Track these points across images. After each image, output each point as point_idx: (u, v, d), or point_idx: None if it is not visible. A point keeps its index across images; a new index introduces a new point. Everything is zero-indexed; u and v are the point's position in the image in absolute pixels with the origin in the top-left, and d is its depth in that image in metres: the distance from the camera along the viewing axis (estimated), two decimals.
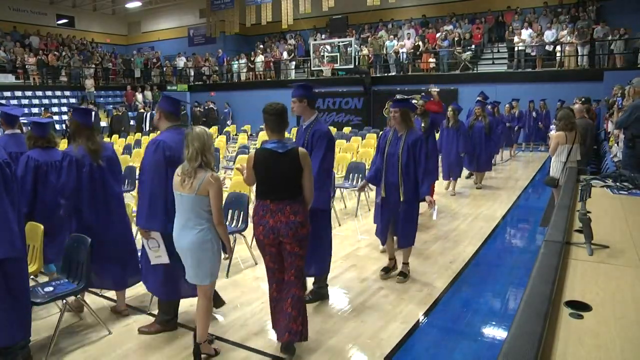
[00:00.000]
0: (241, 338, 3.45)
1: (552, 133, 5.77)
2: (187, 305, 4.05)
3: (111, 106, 16.80)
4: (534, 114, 13.64)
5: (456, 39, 17.19)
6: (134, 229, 3.93)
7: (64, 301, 3.45)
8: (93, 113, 4.63)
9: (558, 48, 15.22)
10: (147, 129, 17.28)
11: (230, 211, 5.02)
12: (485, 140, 8.72)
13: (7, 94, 17.79)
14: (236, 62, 21.23)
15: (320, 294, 4.10)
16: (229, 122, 19.31)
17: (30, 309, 3.09)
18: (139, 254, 3.79)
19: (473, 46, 17.00)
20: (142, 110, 18.48)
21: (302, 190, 3.11)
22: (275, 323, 3.24)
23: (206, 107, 20.21)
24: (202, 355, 3.14)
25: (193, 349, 3.14)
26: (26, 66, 19.21)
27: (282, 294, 3.15)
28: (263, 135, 12.35)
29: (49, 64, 19.98)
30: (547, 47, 15.59)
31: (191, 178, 2.96)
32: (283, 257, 3.12)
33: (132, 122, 18.35)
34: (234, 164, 8.58)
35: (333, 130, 15.05)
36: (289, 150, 3.05)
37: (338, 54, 17.35)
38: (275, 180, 3.06)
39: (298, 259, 3.12)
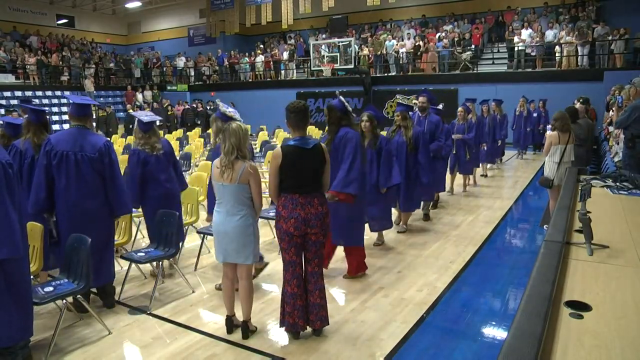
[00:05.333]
0: (241, 338, 3.44)
1: (549, 133, 5.81)
2: (187, 305, 4.06)
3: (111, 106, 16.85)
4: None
5: (456, 39, 17.18)
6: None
7: (64, 301, 3.44)
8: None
9: (558, 48, 15.22)
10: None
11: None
12: (410, 163, 5.89)
13: (7, 94, 17.76)
14: (246, 58, 21.13)
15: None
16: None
17: (32, 309, 3.09)
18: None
19: (473, 46, 16.98)
20: (130, 111, 18.41)
21: (323, 182, 3.37)
22: (293, 317, 3.31)
23: (185, 108, 19.61)
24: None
25: (241, 327, 3.43)
26: (26, 66, 19.19)
27: (304, 288, 3.37)
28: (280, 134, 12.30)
29: (52, 64, 19.93)
30: (546, 47, 15.58)
31: (230, 169, 3.23)
32: (305, 248, 3.36)
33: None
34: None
35: None
36: (314, 146, 3.28)
37: (338, 54, 17.34)
38: (304, 174, 3.27)
39: (321, 248, 3.40)
